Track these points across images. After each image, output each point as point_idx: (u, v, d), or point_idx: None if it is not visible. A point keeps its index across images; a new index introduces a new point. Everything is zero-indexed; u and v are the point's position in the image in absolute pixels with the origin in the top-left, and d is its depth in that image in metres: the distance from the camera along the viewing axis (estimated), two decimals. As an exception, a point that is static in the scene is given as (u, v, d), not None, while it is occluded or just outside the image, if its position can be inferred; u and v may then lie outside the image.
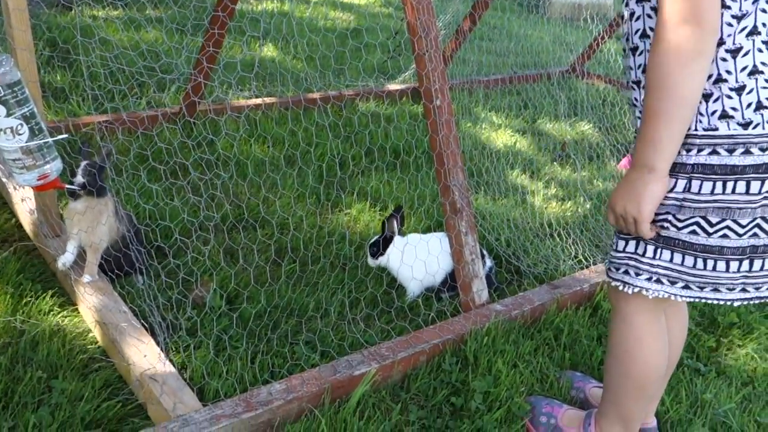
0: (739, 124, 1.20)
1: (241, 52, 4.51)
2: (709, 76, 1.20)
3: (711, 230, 1.26)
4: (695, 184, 1.25)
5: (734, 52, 1.19)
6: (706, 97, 1.22)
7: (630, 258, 1.39)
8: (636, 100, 1.35)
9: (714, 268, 1.30)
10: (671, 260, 1.33)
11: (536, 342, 2.06)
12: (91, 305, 1.90)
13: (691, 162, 1.24)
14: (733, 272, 1.29)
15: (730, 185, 1.22)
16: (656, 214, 1.31)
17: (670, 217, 1.29)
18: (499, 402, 1.78)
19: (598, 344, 2.12)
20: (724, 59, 1.19)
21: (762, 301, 1.34)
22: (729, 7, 1.18)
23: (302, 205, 2.73)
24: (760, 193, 1.22)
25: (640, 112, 1.31)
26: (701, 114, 1.22)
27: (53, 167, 1.73)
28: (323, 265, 2.35)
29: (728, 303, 1.35)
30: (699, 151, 1.23)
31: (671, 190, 1.27)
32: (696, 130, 1.23)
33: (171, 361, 1.75)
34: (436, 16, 2.11)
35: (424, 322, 2.10)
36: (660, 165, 1.22)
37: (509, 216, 2.81)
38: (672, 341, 1.59)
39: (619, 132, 4.12)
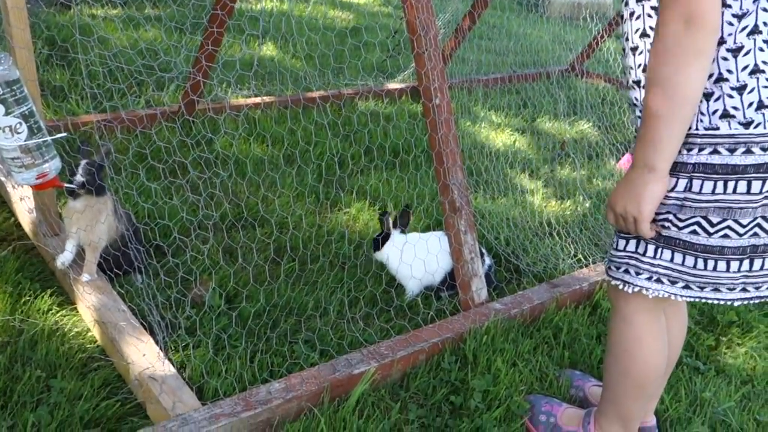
0: (740, 123, 1.19)
1: (240, 51, 4.51)
2: (710, 76, 1.20)
3: (712, 230, 1.26)
4: (696, 183, 1.24)
5: (735, 51, 1.18)
6: (707, 96, 1.21)
7: (630, 257, 1.39)
8: (636, 99, 1.35)
9: (714, 268, 1.29)
10: (672, 260, 1.33)
11: (535, 341, 2.06)
12: (90, 304, 1.90)
13: (692, 161, 1.24)
14: (734, 272, 1.29)
15: (731, 185, 1.22)
16: (657, 214, 1.30)
17: (670, 217, 1.29)
18: (499, 401, 1.78)
19: (598, 343, 2.12)
20: (725, 58, 1.19)
21: (762, 300, 1.34)
22: (729, 6, 1.17)
23: (301, 204, 2.73)
24: (761, 192, 1.21)
25: (641, 111, 1.31)
26: (702, 113, 1.22)
27: (52, 166, 1.73)
28: (322, 264, 2.35)
29: (728, 303, 1.35)
30: (700, 150, 1.23)
31: (672, 190, 1.27)
32: (697, 129, 1.23)
33: (170, 360, 1.75)
34: (435, 14, 2.10)
35: (423, 320, 2.10)
36: (660, 165, 1.22)
37: (508, 215, 2.81)
38: (671, 340, 1.59)
39: (618, 131, 4.12)
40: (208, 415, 1.54)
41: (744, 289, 1.32)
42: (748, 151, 1.20)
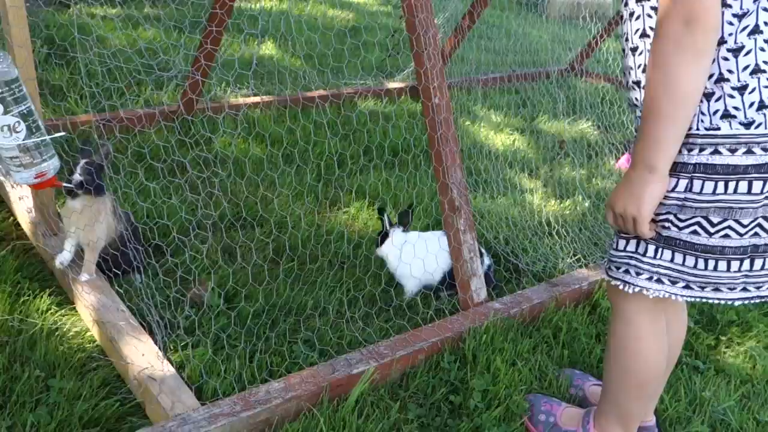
0: (741, 123, 1.19)
1: (239, 50, 4.50)
2: (711, 76, 1.20)
3: (712, 230, 1.26)
4: (697, 184, 1.24)
5: (736, 51, 1.18)
6: (708, 96, 1.21)
7: (631, 257, 1.38)
8: (636, 100, 1.35)
9: (715, 268, 1.29)
10: (672, 260, 1.33)
11: (535, 340, 2.06)
12: (89, 304, 1.90)
13: (693, 162, 1.23)
14: (734, 272, 1.29)
15: (732, 185, 1.21)
16: (657, 214, 1.30)
17: (671, 217, 1.29)
18: (498, 400, 1.78)
19: (597, 342, 2.12)
20: (725, 58, 1.19)
21: (763, 300, 1.34)
22: (730, 6, 1.17)
23: (300, 204, 2.73)
24: (762, 192, 1.21)
25: (641, 112, 1.31)
26: (703, 113, 1.22)
27: (51, 165, 1.72)
28: (321, 263, 2.34)
29: (729, 302, 1.34)
30: (701, 150, 1.23)
31: (673, 190, 1.27)
32: (698, 129, 1.22)
33: (169, 359, 1.74)
34: (434, 13, 2.10)
35: (422, 320, 2.10)
36: (660, 165, 1.22)
37: (508, 214, 2.81)
38: (671, 339, 1.58)
39: (617, 130, 4.12)
40: (207, 415, 1.54)
41: (745, 289, 1.32)
42: (749, 152, 1.19)
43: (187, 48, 4.12)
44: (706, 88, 1.20)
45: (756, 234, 1.25)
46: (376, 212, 2.73)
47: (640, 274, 1.37)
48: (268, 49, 4.71)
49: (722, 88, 1.20)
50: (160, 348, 1.76)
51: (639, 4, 1.29)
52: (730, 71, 1.19)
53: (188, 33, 4.42)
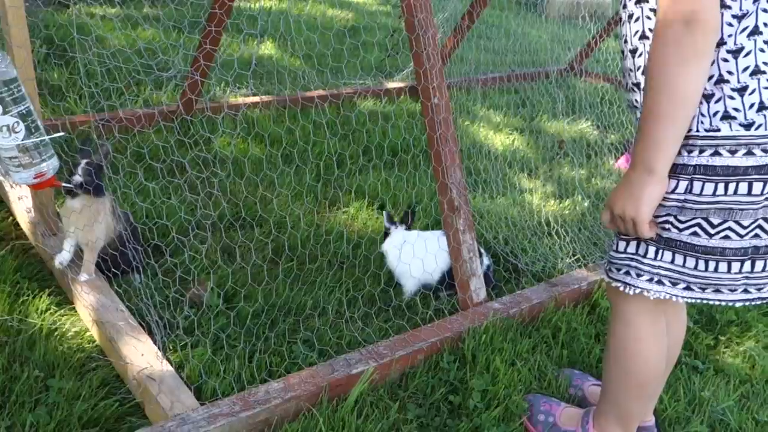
0: (741, 125, 1.19)
1: (238, 50, 4.50)
2: (711, 77, 1.20)
3: (712, 231, 1.26)
4: (697, 185, 1.24)
5: (735, 53, 1.18)
6: (708, 97, 1.21)
7: (631, 259, 1.38)
8: (636, 102, 1.35)
9: (716, 270, 1.29)
10: (672, 261, 1.33)
11: (534, 340, 2.06)
12: (89, 304, 1.90)
13: (693, 163, 1.23)
14: (735, 273, 1.29)
15: (732, 186, 1.21)
16: (657, 216, 1.30)
17: (671, 219, 1.29)
18: (497, 400, 1.78)
19: (596, 342, 2.12)
20: (725, 60, 1.19)
21: (764, 302, 1.34)
22: (729, 7, 1.17)
23: (300, 204, 2.73)
24: (762, 194, 1.21)
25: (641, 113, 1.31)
26: (702, 115, 1.22)
27: (50, 165, 1.72)
28: (321, 263, 2.34)
29: (730, 304, 1.34)
30: (701, 152, 1.23)
31: (672, 192, 1.26)
32: (697, 131, 1.22)
33: (168, 359, 1.74)
34: (434, 13, 2.10)
35: (422, 320, 2.10)
36: (659, 166, 1.22)
37: (507, 214, 2.81)
38: (671, 340, 1.58)
39: (617, 130, 4.12)
40: (207, 415, 1.54)
41: (745, 291, 1.32)
42: (749, 153, 1.19)
43: (186, 48, 4.11)
44: (705, 89, 1.20)
45: (756, 235, 1.25)
46: (378, 211, 2.73)
47: (641, 275, 1.37)
48: (267, 49, 4.71)
49: (722, 90, 1.20)
50: (159, 348, 1.76)
51: (638, 6, 1.29)
52: (729, 72, 1.19)
53: (187, 33, 4.42)
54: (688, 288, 1.34)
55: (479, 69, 4.93)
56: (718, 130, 1.20)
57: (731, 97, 1.19)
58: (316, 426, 1.61)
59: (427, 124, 2.09)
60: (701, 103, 1.21)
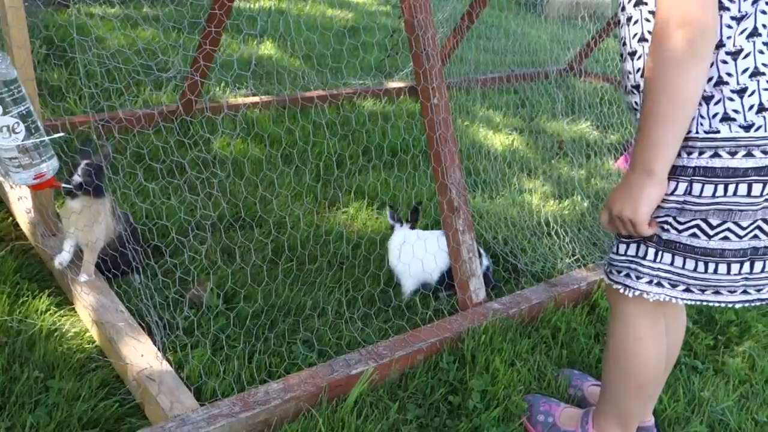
0: (741, 126, 1.19)
1: (238, 51, 4.50)
2: (710, 79, 1.20)
3: (712, 233, 1.26)
4: (696, 187, 1.24)
5: (735, 54, 1.18)
6: (707, 99, 1.21)
7: (631, 261, 1.38)
8: (636, 104, 1.35)
9: (715, 271, 1.29)
10: (672, 263, 1.33)
11: (534, 340, 2.06)
12: (88, 304, 1.90)
13: (693, 165, 1.23)
14: (734, 275, 1.29)
15: (731, 188, 1.21)
16: (657, 217, 1.30)
17: (670, 220, 1.29)
18: (497, 400, 1.78)
19: (596, 342, 2.12)
20: (724, 61, 1.19)
21: (763, 303, 1.34)
22: (728, 9, 1.17)
23: (299, 204, 2.73)
24: (761, 195, 1.21)
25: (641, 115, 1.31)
26: (702, 117, 1.22)
27: (50, 166, 1.72)
28: (320, 264, 2.34)
29: (729, 305, 1.35)
30: (700, 153, 1.23)
31: (672, 193, 1.26)
32: (697, 132, 1.22)
33: (168, 360, 1.75)
34: (433, 14, 2.10)
35: (421, 320, 2.10)
36: (658, 168, 1.22)
37: (506, 214, 2.81)
38: (670, 341, 1.59)
39: (616, 130, 4.12)
40: (206, 416, 1.54)
41: (745, 292, 1.32)
42: (749, 154, 1.19)
43: (185, 48, 4.12)
44: (705, 91, 1.20)
45: (755, 236, 1.25)
46: (379, 212, 2.73)
47: (641, 277, 1.38)
48: (267, 49, 4.71)
49: (721, 91, 1.20)
50: (159, 348, 1.76)
51: (637, 8, 1.29)
52: (729, 74, 1.19)
53: (187, 33, 4.42)
54: (687, 290, 1.34)
55: (479, 69, 4.93)
56: (718, 131, 1.21)
57: (731, 99, 1.19)
58: (315, 426, 1.62)
59: (426, 124, 2.10)
60: (700, 104, 1.21)
